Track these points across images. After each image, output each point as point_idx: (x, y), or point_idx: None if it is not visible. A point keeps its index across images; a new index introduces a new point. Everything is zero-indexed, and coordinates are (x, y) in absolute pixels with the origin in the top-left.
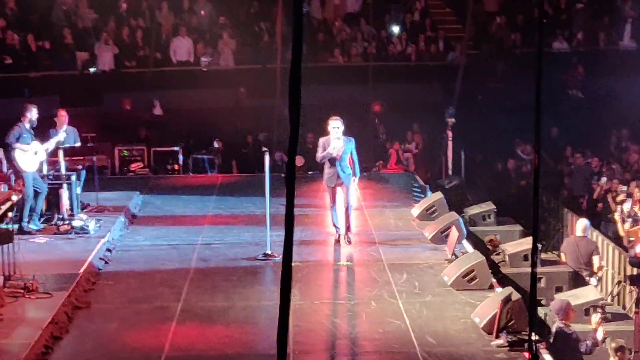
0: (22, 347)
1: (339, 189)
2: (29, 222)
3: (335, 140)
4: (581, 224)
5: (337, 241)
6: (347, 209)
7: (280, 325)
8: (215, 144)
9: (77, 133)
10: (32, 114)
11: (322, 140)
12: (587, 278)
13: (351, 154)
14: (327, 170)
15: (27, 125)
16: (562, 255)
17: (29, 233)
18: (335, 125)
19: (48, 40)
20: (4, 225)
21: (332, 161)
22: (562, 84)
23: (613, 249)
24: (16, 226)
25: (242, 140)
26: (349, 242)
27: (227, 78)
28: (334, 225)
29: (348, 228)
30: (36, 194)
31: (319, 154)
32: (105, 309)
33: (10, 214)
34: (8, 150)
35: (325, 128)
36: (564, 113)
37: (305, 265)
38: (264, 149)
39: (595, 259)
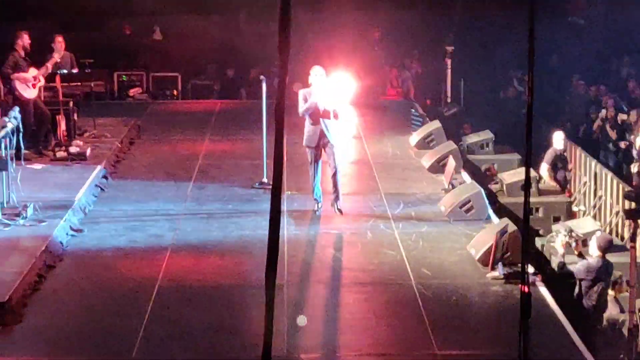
0: (14, 276)
1: (322, 150)
2: (41, 147)
3: (317, 91)
4: (559, 135)
5: (315, 211)
6: (334, 174)
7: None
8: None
9: (74, 59)
10: (24, 40)
11: (302, 93)
12: (576, 209)
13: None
14: (308, 127)
15: (22, 52)
16: (543, 165)
17: (26, 159)
18: (317, 73)
19: None
20: None
21: (315, 116)
22: (562, 11)
23: (611, 178)
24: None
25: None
26: (341, 212)
27: (228, 2)
28: (314, 198)
29: (337, 196)
30: (40, 120)
31: (300, 108)
32: (100, 236)
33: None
34: (6, 80)
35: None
36: (564, 40)
37: (301, 193)
38: (261, 76)
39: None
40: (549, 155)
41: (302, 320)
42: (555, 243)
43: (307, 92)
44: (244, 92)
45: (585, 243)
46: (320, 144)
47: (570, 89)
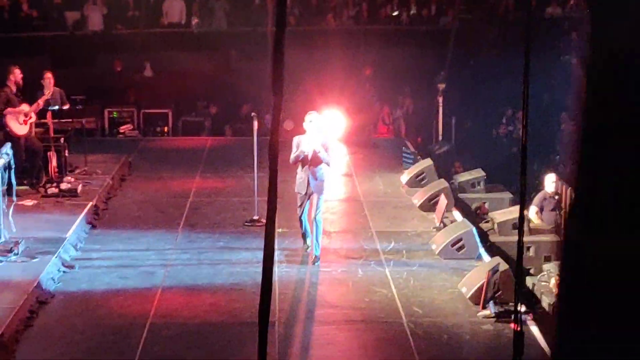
0: (6, 312)
1: (309, 199)
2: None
3: (310, 138)
4: (550, 178)
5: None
6: (314, 222)
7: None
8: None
9: (64, 95)
10: (16, 75)
11: (296, 140)
12: None
13: (325, 145)
14: (299, 173)
15: (14, 88)
16: (532, 208)
17: (17, 196)
18: (309, 120)
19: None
20: None
21: (303, 164)
22: (555, 50)
23: None
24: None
25: (233, 105)
26: (314, 261)
27: (219, 40)
28: (303, 237)
29: (315, 255)
30: (31, 156)
31: (292, 156)
32: (91, 273)
33: None
34: None
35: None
36: (557, 78)
37: (293, 231)
38: (252, 113)
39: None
40: (537, 198)
41: None
42: (550, 283)
43: (300, 139)
44: (228, 129)
45: None
46: (308, 192)
47: (561, 127)
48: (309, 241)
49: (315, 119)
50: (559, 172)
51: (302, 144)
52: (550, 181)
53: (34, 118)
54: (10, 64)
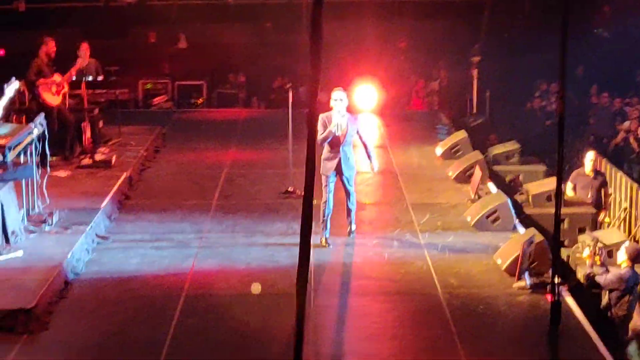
0: (40, 283)
1: (337, 180)
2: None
3: (338, 116)
4: (588, 156)
5: (326, 244)
6: (348, 205)
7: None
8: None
9: (99, 66)
10: (49, 47)
11: (322, 118)
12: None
13: (360, 136)
14: (326, 154)
15: (45, 59)
16: (569, 184)
17: (51, 167)
18: (338, 98)
19: None
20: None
21: (334, 144)
22: (587, 23)
23: (637, 190)
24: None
25: (268, 77)
26: (350, 233)
27: (254, 12)
28: (324, 226)
29: (350, 228)
30: (63, 126)
31: (319, 135)
32: (125, 244)
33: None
34: (30, 86)
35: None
36: (590, 52)
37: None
38: (288, 85)
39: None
40: (572, 175)
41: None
42: (582, 254)
43: (327, 116)
44: (256, 101)
45: (610, 254)
46: (337, 173)
47: (595, 100)
48: (327, 233)
49: (341, 96)
50: (594, 146)
51: (331, 123)
52: (588, 159)
53: (66, 88)
54: (43, 34)
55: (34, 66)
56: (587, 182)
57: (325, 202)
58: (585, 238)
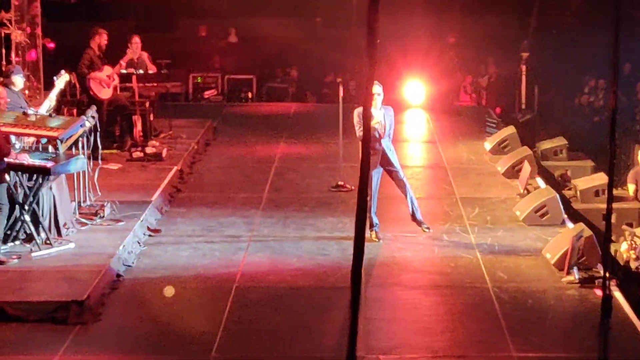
0: (92, 275)
1: (382, 173)
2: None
3: (377, 112)
4: None
5: (377, 238)
6: (407, 195)
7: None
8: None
9: (150, 59)
10: (102, 38)
11: (359, 114)
12: None
13: (391, 127)
14: None
15: (97, 51)
16: (630, 186)
17: (103, 159)
18: (376, 92)
19: None
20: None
21: (375, 139)
22: (635, 20)
23: None
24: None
25: (318, 72)
26: (428, 229)
27: (304, 7)
28: (371, 222)
29: (414, 215)
30: (120, 114)
31: (359, 131)
32: (177, 237)
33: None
34: (81, 78)
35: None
36: (637, 49)
37: (378, 198)
38: (338, 80)
39: None
40: (631, 175)
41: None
42: (621, 248)
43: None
44: (310, 95)
45: None
46: (383, 167)
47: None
48: (377, 227)
49: (380, 91)
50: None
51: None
52: None
53: (116, 81)
54: (96, 26)
55: (86, 58)
56: None
57: (370, 198)
58: (624, 230)
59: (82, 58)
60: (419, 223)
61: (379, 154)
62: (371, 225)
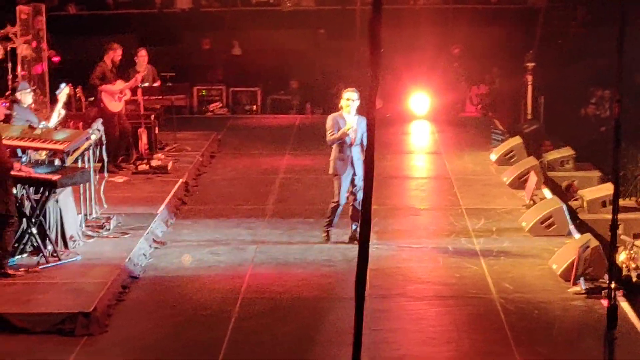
0: (98, 287)
1: (350, 179)
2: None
3: (352, 118)
4: None
5: (327, 239)
6: (355, 204)
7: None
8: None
9: (156, 72)
10: (116, 54)
11: (332, 118)
12: None
13: (362, 136)
14: (337, 154)
15: (110, 65)
16: None
17: (110, 173)
18: (351, 98)
19: None
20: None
21: (346, 145)
22: None
23: None
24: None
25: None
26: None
27: (307, 19)
28: (330, 223)
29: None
30: (121, 132)
31: (330, 136)
32: (182, 248)
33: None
34: (92, 90)
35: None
36: None
37: (383, 209)
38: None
39: None
40: None
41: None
42: (621, 257)
43: (338, 117)
44: (309, 107)
45: None
46: (350, 172)
47: None
48: (333, 229)
49: (352, 97)
50: None
51: (340, 124)
52: None
53: (128, 95)
54: (98, 42)
55: (98, 70)
56: None
57: (337, 200)
58: (624, 241)
59: (94, 70)
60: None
61: (348, 160)
62: (329, 225)
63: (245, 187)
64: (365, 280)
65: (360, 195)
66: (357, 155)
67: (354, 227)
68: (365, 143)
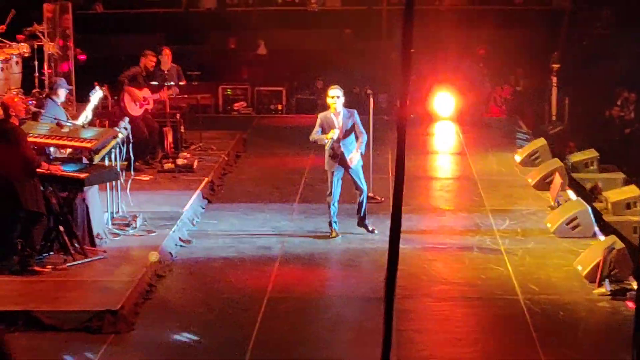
0: (126, 285)
1: (342, 173)
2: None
3: (334, 119)
4: None
5: (334, 235)
6: (360, 195)
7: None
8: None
9: (181, 71)
10: (148, 60)
11: (321, 117)
12: None
13: (356, 127)
14: (327, 150)
15: (143, 71)
16: None
17: (135, 170)
18: (335, 95)
19: None
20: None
21: (335, 141)
22: None
23: None
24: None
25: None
26: (372, 231)
27: (333, 19)
28: (330, 222)
29: (363, 217)
30: (149, 131)
31: (313, 134)
32: (208, 247)
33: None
34: (118, 87)
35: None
36: None
37: (408, 209)
38: (369, 91)
39: None
40: None
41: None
42: None
43: (325, 116)
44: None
45: None
46: (344, 167)
47: None
48: (336, 226)
49: (337, 94)
50: None
51: (328, 122)
52: None
53: (151, 105)
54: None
55: (131, 70)
56: None
57: (330, 194)
58: None
59: (128, 69)
60: (365, 227)
61: (338, 156)
62: (330, 223)
63: (271, 186)
64: (395, 280)
65: (363, 188)
66: (347, 148)
67: (360, 218)
68: (359, 132)
